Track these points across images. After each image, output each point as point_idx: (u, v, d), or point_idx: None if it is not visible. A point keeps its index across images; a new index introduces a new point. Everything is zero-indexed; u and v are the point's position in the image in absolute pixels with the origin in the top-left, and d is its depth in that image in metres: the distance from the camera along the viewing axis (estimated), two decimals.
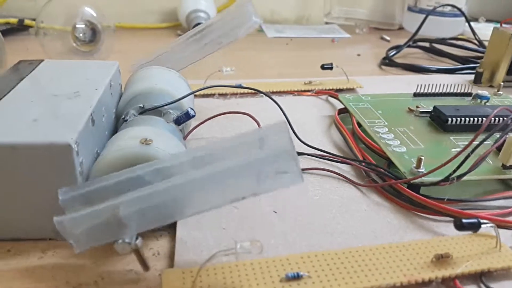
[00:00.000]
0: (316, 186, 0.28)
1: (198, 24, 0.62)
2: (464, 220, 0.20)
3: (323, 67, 0.43)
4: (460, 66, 0.55)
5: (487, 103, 0.37)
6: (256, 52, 0.60)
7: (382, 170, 0.27)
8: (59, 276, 0.21)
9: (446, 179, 0.25)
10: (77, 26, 0.49)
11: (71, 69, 0.30)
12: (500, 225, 0.23)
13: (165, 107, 0.28)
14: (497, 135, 0.26)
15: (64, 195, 0.19)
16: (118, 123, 0.29)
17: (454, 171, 0.24)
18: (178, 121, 0.27)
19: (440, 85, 0.38)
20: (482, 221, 0.20)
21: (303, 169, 0.29)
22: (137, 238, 0.20)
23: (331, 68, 0.43)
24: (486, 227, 0.21)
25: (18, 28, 0.63)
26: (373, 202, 0.26)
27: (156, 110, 0.28)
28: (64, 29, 0.50)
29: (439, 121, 0.32)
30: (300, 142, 0.32)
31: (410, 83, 0.47)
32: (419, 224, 0.25)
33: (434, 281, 0.20)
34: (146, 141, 0.22)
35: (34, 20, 0.64)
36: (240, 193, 0.19)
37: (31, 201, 0.21)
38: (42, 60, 0.31)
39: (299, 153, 0.30)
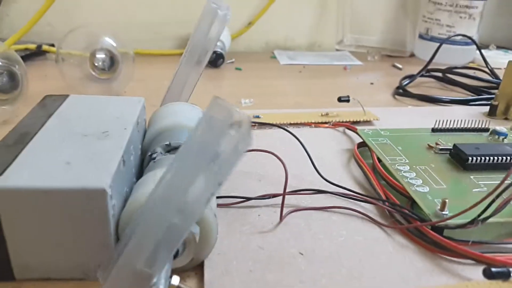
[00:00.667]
0: (340, 226, 0.28)
1: (213, 52, 0.63)
2: (493, 269, 0.20)
3: (340, 99, 0.44)
4: (474, 97, 0.55)
5: (505, 139, 0.37)
6: (270, 80, 0.61)
7: (406, 211, 0.28)
8: None
9: (472, 222, 0.25)
10: (97, 56, 0.50)
11: (98, 105, 0.31)
12: None
13: None
14: None
15: (103, 276, 0.19)
16: (144, 160, 0.29)
17: (480, 215, 0.25)
18: None
19: (457, 120, 0.39)
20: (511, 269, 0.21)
21: (326, 208, 0.29)
22: (171, 277, 0.20)
23: (348, 101, 0.44)
24: None
25: (36, 53, 0.64)
26: (398, 244, 0.26)
27: None
28: (83, 56, 0.51)
29: (459, 159, 0.33)
30: (322, 179, 0.32)
31: (425, 115, 0.47)
32: (444, 267, 0.25)
33: None
34: None
35: (51, 45, 0.65)
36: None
37: (62, 242, 0.22)
38: (67, 96, 0.32)
39: (321, 191, 0.31)
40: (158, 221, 0.18)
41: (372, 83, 0.61)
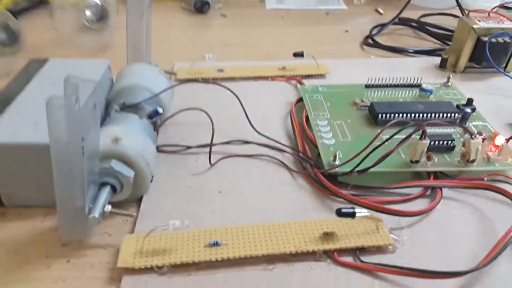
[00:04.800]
0: (258, 170, 0.35)
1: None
2: (343, 210, 0.27)
3: (295, 54, 0.49)
4: (438, 47, 0.58)
5: (431, 96, 0.42)
6: (251, 29, 0.65)
7: (312, 161, 0.34)
8: (55, 235, 0.29)
9: (351, 171, 0.31)
10: (86, 13, 0.56)
11: (70, 68, 0.37)
12: (383, 211, 0.29)
13: (142, 103, 0.35)
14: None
15: None
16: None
17: (357, 165, 0.31)
18: (150, 116, 0.35)
19: (390, 78, 0.43)
20: (357, 210, 0.27)
21: (251, 155, 0.36)
22: (104, 207, 0.28)
23: (302, 56, 0.49)
24: (371, 213, 0.28)
25: (41, 2, 0.70)
26: (299, 186, 0.33)
27: (134, 106, 0.35)
28: (77, 6, 0.57)
29: (373, 116, 0.38)
30: (253, 131, 0.38)
31: (378, 68, 0.52)
32: (327, 206, 0.31)
33: (318, 252, 0.27)
34: (116, 139, 0.30)
35: None
36: None
37: (36, 180, 0.30)
38: (47, 60, 0.39)
39: (248, 142, 0.37)
40: (72, 166, 0.25)
41: (347, 31, 0.64)
